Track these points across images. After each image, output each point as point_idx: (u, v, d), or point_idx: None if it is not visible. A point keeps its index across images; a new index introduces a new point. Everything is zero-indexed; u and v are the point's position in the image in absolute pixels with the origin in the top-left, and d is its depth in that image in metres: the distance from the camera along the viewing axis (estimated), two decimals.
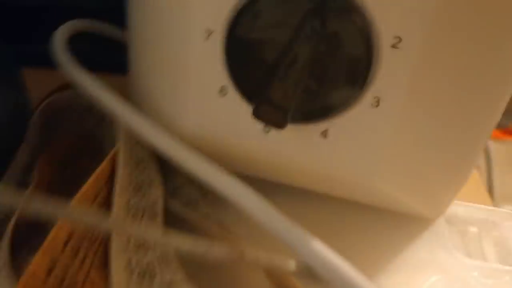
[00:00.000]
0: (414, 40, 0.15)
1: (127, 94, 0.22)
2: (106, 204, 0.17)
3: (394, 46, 0.15)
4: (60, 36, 0.23)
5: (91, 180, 0.17)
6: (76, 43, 0.27)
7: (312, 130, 0.17)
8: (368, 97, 0.16)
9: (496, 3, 0.15)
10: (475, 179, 0.30)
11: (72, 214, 0.13)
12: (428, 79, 0.16)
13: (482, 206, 0.25)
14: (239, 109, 0.17)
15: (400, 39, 0.15)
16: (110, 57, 0.30)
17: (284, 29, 0.15)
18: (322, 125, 0.17)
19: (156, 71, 0.19)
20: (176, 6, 0.17)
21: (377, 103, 0.16)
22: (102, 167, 0.18)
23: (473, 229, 0.24)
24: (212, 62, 0.17)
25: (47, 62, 0.25)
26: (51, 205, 0.12)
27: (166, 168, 0.21)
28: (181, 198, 0.21)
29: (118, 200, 0.17)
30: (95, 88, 0.19)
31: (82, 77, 0.20)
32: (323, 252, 0.15)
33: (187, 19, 0.16)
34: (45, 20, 0.33)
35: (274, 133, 0.17)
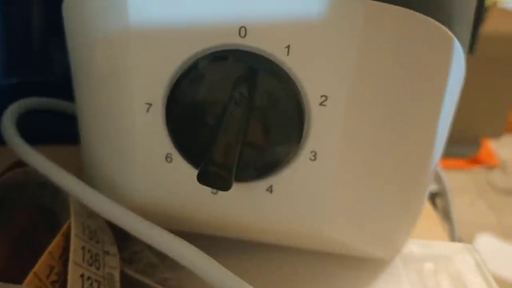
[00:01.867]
0: (339, 97, 0.16)
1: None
2: (61, 278, 0.18)
3: (321, 104, 0.16)
4: (9, 116, 0.24)
5: (44, 256, 0.17)
6: (30, 117, 0.27)
7: (258, 187, 0.18)
8: (305, 152, 0.17)
9: (407, 61, 0.16)
10: (431, 215, 0.31)
11: None
12: (357, 131, 0.17)
13: (436, 242, 0.26)
14: (185, 174, 0.18)
15: (326, 98, 0.16)
16: (63, 128, 0.30)
17: (218, 95, 0.16)
18: (266, 181, 0.18)
19: (103, 143, 0.20)
20: (115, 83, 0.17)
21: (314, 157, 0.17)
22: (55, 242, 0.18)
23: (429, 265, 0.25)
24: (155, 132, 0.18)
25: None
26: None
27: (125, 235, 0.21)
28: (140, 263, 0.21)
29: (72, 274, 0.17)
30: (43, 165, 0.19)
31: (30, 155, 0.20)
32: None
33: (127, 94, 0.17)
34: (4, 99, 0.34)
35: (221, 193, 0.18)
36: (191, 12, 0.16)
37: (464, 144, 1.57)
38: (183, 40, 0.16)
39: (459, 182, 1.51)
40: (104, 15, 0.17)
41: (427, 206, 0.31)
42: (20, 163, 0.24)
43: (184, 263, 0.16)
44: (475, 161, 1.61)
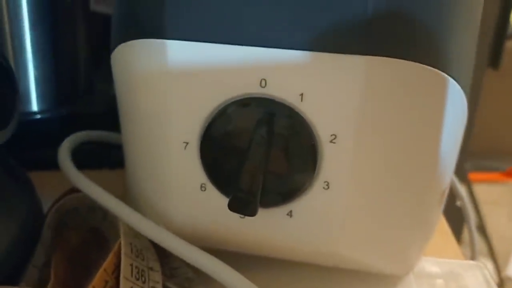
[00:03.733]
0: (347, 135, 0.19)
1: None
2: None
3: (331, 142, 0.19)
4: (65, 149, 0.27)
5: (100, 271, 0.20)
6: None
7: (279, 212, 0.21)
8: (319, 182, 0.20)
9: (406, 104, 0.19)
10: (446, 233, 0.33)
11: None
12: (365, 163, 0.20)
13: (447, 260, 0.28)
14: (217, 201, 0.21)
15: (335, 136, 0.19)
16: (111, 154, 0.34)
17: (243, 135, 0.19)
18: (287, 207, 0.21)
19: (145, 174, 0.23)
20: (157, 126, 0.21)
21: (327, 186, 0.20)
22: (109, 260, 0.21)
23: (440, 281, 0.27)
24: (191, 166, 0.21)
25: (52, 165, 0.29)
26: None
27: (164, 252, 0.24)
28: (179, 278, 0.24)
29: (123, 287, 0.20)
30: (99, 194, 0.23)
31: (87, 185, 0.23)
32: None
33: (167, 135, 0.21)
34: (53, 128, 0.38)
35: (248, 218, 0.21)
36: (221, 67, 0.19)
37: (498, 157, 1.55)
38: (214, 90, 0.19)
39: (495, 195, 1.49)
40: (148, 67, 0.20)
41: (442, 225, 0.33)
42: (73, 190, 0.27)
43: (214, 276, 0.19)
44: (510, 174, 1.58)
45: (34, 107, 0.38)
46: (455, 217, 0.39)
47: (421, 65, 0.19)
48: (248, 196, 0.19)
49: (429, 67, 0.19)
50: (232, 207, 0.19)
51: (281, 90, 0.19)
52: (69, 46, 0.39)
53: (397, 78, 0.18)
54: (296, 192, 0.20)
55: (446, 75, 0.19)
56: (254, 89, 0.19)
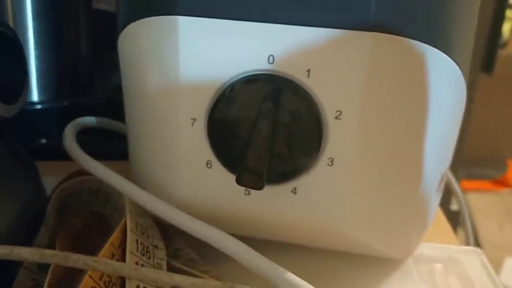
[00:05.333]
0: (352, 112, 0.19)
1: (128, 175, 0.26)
2: None
3: (336, 118, 0.19)
4: (70, 131, 0.27)
5: (107, 245, 0.20)
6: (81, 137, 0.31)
7: (284, 188, 0.21)
8: (323, 158, 0.20)
9: (409, 82, 0.19)
10: (443, 222, 0.33)
11: (100, 265, 0.16)
12: (369, 140, 0.20)
13: (446, 245, 0.29)
14: (223, 177, 0.21)
15: (340, 112, 0.19)
16: (111, 147, 0.34)
17: (250, 111, 0.20)
18: (291, 184, 0.21)
19: (152, 154, 0.23)
20: (165, 102, 0.21)
21: (331, 162, 0.20)
22: (115, 235, 0.21)
23: (439, 266, 0.27)
24: (198, 143, 0.21)
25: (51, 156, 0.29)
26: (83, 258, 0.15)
27: (168, 234, 0.24)
28: (182, 258, 0.25)
29: (129, 261, 0.21)
30: (105, 173, 0.23)
31: (93, 165, 0.24)
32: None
33: (174, 112, 0.21)
34: (52, 118, 0.38)
35: (253, 194, 0.21)
36: (230, 43, 0.19)
37: (490, 166, 1.56)
38: (222, 66, 0.20)
39: (486, 204, 1.49)
40: (158, 44, 0.21)
41: (440, 216, 0.33)
42: (77, 173, 0.27)
43: (222, 249, 0.20)
44: (502, 183, 1.59)
45: (35, 97, 0.38)
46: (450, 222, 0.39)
47: (425, 45, 0.19)
48: (256, 170, 0.19)
49: (432, 48, 0.19)
50: (240, 181, 0.19)
51: (288, 66, 0.19)
52: (70, 38, 0.40)
53: (401, 56, 0.19)
54: (301, 169, 0.21)
55: (448, 57, 0.20)
56: (262, 65, 0.19)
